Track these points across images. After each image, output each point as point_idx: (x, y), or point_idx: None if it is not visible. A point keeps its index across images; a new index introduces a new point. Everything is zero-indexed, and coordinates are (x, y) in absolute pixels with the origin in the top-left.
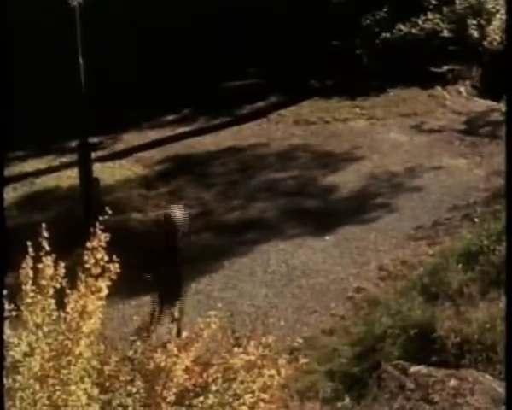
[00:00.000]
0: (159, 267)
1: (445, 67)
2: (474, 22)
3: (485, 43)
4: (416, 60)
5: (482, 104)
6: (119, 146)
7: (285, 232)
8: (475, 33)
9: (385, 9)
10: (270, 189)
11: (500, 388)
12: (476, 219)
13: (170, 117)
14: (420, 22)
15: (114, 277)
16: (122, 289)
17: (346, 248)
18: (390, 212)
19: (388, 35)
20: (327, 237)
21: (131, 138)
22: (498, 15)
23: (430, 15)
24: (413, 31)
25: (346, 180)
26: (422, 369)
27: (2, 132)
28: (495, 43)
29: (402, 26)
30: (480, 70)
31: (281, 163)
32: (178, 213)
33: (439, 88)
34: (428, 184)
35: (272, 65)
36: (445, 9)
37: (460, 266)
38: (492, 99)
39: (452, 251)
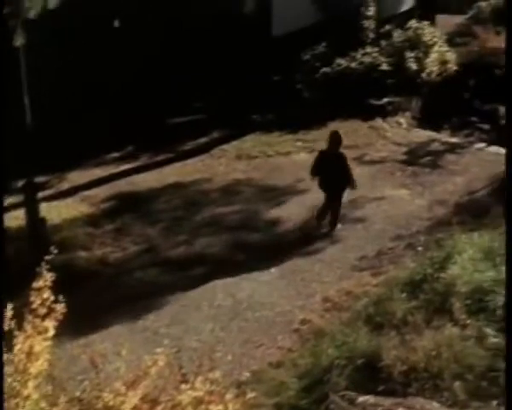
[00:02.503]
0: (325, 173)
1: (385, 100)
2: (412, 55)
3: (423, 75)
4: (356, 93)
5: (422, 135)
6: (65, 185)
7: (230, 266)
8: (413, 66)
9: (324, 44)
10: (214, 224)
11: None
12: (419, 248)
13: (114, 154)
14: (359, 56)
15: (61, 317)
16: (69, 329)
17: (292, 281)
18: (334, 243)
19: (328, 69)
20: (272, 270)
21: (77, 177)
22: (436, 48)
23: (369, 49)
24: (352, 65)
25: (290, 213)
26: (370, 399)
27: None
28: (433, 75)
29: (341, 60)
30: (419, 101)
31: (224, 198)
32: (339, 132)
33: (379, 120)
34: (371, 215)
35: (214, 100)
36: (383, 43)
37: (404, 295)
38: (432, 129)
39: (396, 280)
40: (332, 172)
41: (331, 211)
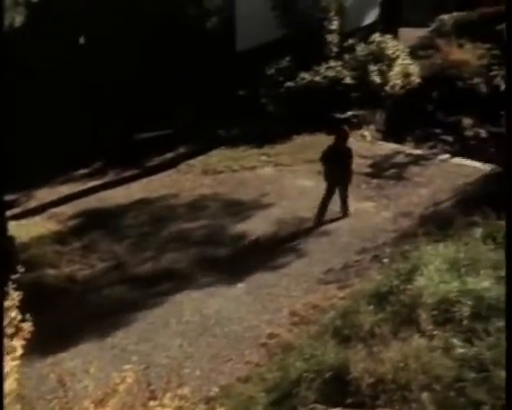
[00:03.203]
0: (332, 163)
1: (349, 113)
2: (376, 68)
3: (387, 88)
4: (321, 106)
5: (387, 147)
6: (33, 203)
7: (197, 282)
8: (377, 79)
9: (287, 59)
10: (180, 239)
11: None
12: (385, 260)
13: (82, 171)
14: (322, 70)
15: (29, 336)
16: (38, 347)
17: (258, 295)
18: (300, 257)
19: (292, 83)
20: (239, 285)
21: (45, 194)
22: (399, 61)
23: (332, 63)
24: (316, 78)
25: (256, 227)
26: None
27: None
28: (397, 88)
29: (305, 74)
30: (383, 114)
31: (191, 213)
32: (346, 128)
33: None
34: (337, 228)
35: (180, 116)
36: (346, 57)
37: (371, 307)
38: (396, 142)
39: (363, 293)
40: (337, 165)
41: (340, 199)
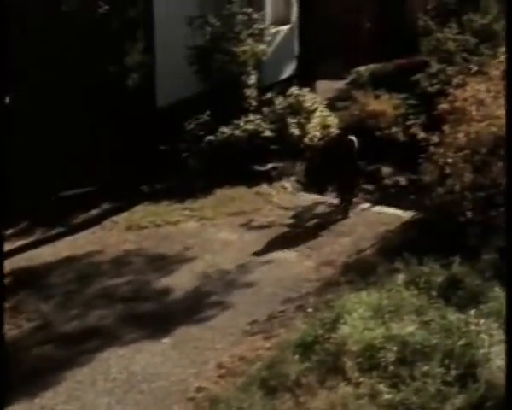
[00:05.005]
0: (341, 169)
1: (269, 165)
2: (294, 121)
3: (306, 139)
4: (241, 160)
5: (307, 198)
6: None
7: (123, 338)
8: (296, 131)
9: (207, 113)
10: (106, 296)
11: None
12: (309, 310)
13: (8, 231)
14: (242, 124)
15: None
16: None
17: (185, 349)
18: (225, 309)
19: (212, 137)
20: (164, 340)
21: None
22: (317, 113)
23: (251, 116)
24: (236, 132)
25: (180, 281)
26: None
27: None
28: (316, 140)
29: (225, 129)
30: (302, 165)
31: (115, 269)
32: (354, 138)
33: (264, 185)
34: (261, 279)
35: (103, 172)
36: (265, 110)
37: (297, 356)
38: (317, 192)
39: (288, 343)
40: (345, 169)
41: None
